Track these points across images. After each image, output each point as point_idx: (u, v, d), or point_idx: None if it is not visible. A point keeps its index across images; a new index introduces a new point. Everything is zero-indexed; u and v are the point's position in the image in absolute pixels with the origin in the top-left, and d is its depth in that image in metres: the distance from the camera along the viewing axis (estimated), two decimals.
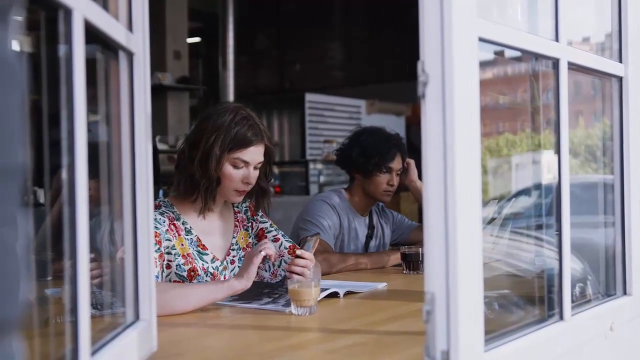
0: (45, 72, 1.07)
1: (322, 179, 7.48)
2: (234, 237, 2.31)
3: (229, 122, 2.13)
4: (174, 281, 2.11)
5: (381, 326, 1.75)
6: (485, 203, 1.30)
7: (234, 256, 2.29)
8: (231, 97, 8.89)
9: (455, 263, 1.14)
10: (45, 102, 1.06)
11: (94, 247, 1.08)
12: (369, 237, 3.09)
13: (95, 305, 1.31)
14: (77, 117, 1.00)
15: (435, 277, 1.16)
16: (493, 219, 2.17)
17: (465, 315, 1.15)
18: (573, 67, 1.56)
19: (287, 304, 1.89)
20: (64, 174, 1.00)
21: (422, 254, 2.60)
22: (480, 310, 1.20)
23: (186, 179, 2.16)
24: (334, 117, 8.13)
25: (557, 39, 1.49)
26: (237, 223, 2.34)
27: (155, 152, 4.11)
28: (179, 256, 2.12)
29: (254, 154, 2.17)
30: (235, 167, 2.15)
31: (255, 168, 2.19)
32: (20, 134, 0.58)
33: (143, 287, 1.36)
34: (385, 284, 2.33)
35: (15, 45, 0.59)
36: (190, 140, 2.18)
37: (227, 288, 1.92)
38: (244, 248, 2.32)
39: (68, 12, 0.98)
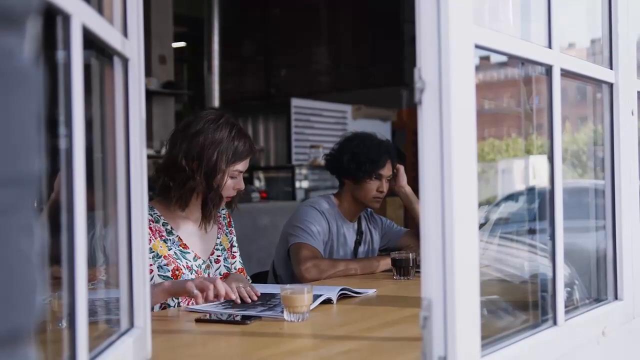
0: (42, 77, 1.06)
1: (308, 184, 7.48)
2: (218, 238, 2.39)
3: (228, 136, 2.23)
4: (158, 283, 2.13)
5: (375, 332, 1.75)
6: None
7: (218, 255, 2.37)
8: (216, 102, 8.87)
9: (453, 269, 1.14)
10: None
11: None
12: (357, 242, 3.09)
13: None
14: (76, 122, 0.99)
15: (432, 283, 1.16)
16: (482, 225, 2.18)
17: (463, 321, 1.15)
18: (564, 73, 1.57)
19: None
20: (62, 180, 0.99)
21: (413, 260, 2.61)
22: (477, 315, 1.20)
23: (188, 192, 2.22)
24: (320, 122, 8.13)
25: (550, 46, 1.50)
26: (220, 225, 2.43)
27: None
28: (160, 258, 2.15)
29: (247, 163, 2.30)
30: (232, 177, 2.26)
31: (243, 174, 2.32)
32: (37, 142, 0.58)
33: (138, 295, 1.35)
34: (375, 290, 2.33)
35: (32, 54, 0.59)
36: (187, 154, 2.20)
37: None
38: (227, 249, 2.41)
39: (67, 18, 0.97)
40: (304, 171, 7.49)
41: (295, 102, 7.99)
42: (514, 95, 1.91)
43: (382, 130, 7.35)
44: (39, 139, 0.59)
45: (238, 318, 1.85)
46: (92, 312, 1.41)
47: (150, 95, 7.34)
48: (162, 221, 2.23)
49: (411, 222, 3.35)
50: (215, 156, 2.19)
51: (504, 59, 1.57)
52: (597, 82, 1.82)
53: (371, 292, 2.31)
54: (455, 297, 1.14)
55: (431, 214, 1.16)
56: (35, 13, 0.59)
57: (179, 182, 2.19)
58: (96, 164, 1.33)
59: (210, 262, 2.33)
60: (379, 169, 2.95)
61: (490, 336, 1.33)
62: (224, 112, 2.34)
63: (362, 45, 9.70)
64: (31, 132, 0.57)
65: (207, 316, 1.88)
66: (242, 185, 2.29)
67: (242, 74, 10.58)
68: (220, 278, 2.30)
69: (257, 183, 7.46)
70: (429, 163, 1.16)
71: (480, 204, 2.18)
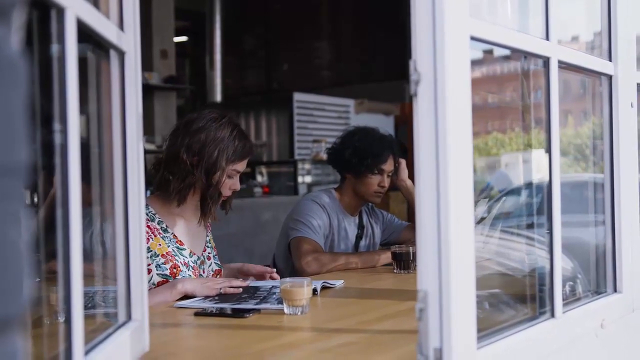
0: (35, 71, 1.06)
1: (310, 178, 7.47)
2: (207, 236, 2.43)
3: (229, 136, 2.26)
4: (158, 282, 2.15)
5: (373, 325, 1.75)
6: (475, 202, 1.30)
7: (209, 253, 2.41)
8: (218, 97, 8.87)
9: (448, 261, 1.15)
10: (35, 101, 1.05)
11: (83, 248, 1.08)
12: (359, 236, 3.09)
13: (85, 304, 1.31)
14: (70, 117, 0.99)
15: (428, 275, 1.16)
16: (483, 218, 2.18)
17: (458, 313, 1.16)
18: (563, 65, 1.56)
19: (280, 302, 1.89)
20: (57, 175, 0.99)
21: (413, 253, 2.61)
22: (472, 307, 1.21)
23: (187, 187, 2.24)
24: (322, 116, 8.12)
25: (547, 38, 1.50)
26: (208, 224, 2.46)
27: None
28: (158, 256, 2.17)
29: (245, 164, 2.34)
30: (229, 177, 2.29)
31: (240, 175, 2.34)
32: (24, 132, 0.59)
33: (135, 288, 1.36)
34: (342, 281, 2.35)
35: (18, 44, 0.59)
36: (188, 149, 2.22)
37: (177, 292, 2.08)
38: (214, 247, 2.46)
39: (61, 11, 0.97)
40: (307, 166, 7.49)
41: (298, 96, 7.98)
42: (517, 89, 1.91)
43: (385, 124, 7.34)
44: (25, 129, 0.59)
45: (234, 311, 1.86)
46: (92, 305, 1.41)
47: (151, 90, 7.34)
48: (157, 219, 2.26)
49: (413, 216, 3.35)
50: (216, 153, 2.22)
51: (507, 52, 1.57)
52: (596, 75, 1.81)
53: (339, 283, 2.34)
54: (450, 289, 1.14)
55: (427, 206, 1.16)
56: (21, 4, 0.60)
57: (179, 176, 2.22)
58: (93, 158, 1.33)
59: (204, 259, 2.35)
60: (380, 163, 2.95)
61: (488, 328, 1.33)
62: (226, 112, 2.36)
63: (363, 39, 9.70)
64: (18, 123, 0.57)
65: (207, 310, 1.89)
66: (237, 186, 2.33)
67: (244, 68, 10.58)
68: (213, 275, 2.37)
69: (259, 178, 7.46)
70: (424, 155, 1.16)
71: (484, 198, 2.18)
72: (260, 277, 2.40)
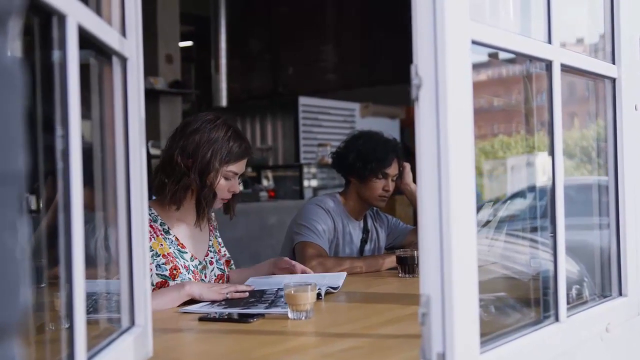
0: (38, 77, 1.07)
1: (316, 182, 7.47)
2: (210, 240, 2.43)
3: (223, 137, 2.25)
4: (157, 283, 2.16)
5: (377, 329, 1.75)
6: (480, 205, 1.29)
7: (211, 257, 2.41)
8: (224, 101, 8.88)
9: (450, 265, 1.14)
10: (37, 107, 1.05)
11: (88, 254, 1.08)
12: (363, 241, 3.09)
13: (88, 309, 1.31)
14: (72, 123, 0.99)
15: (430, 280, 1.16)
16: (488, 222, 2.17)
17: (461, 317, 1.15)
18: (566, 68, 1.56)
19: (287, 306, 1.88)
20: (59, 181, 0.99)
21: (417, 257, 2.60)
22: (475, 312, 1.20)
23: (182, 189, 2.24)
24: (328, 120, 8.12)
25: (549, 41, 1.50)
26: (211, 228, 2.46)
27: (148, 157, 4.16)
28: (159, 256, 2.19)
29: (243, 165, 2.32)
30: (226, 178, 2.28)
31: (239, 177, 2.33)
32: (21, 140, 0.59)
33: (138, 293, 1.36)
34: (344, 274, 2.38)
35: (15, 52, 0.60)
36: (182, 151, 2.24)
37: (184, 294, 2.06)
38: (217, 251, 2.44)
39: (62, 18, 0.98)
40: (312, 170, 7.49)
41: (303, 100, 7.98)
42: (522, 92, 1.91)
43: (390, 128, 7.34)
44: (23, 137, 0.59)
45: (240, 316, 1.85)
46: (94, 309, 1.42)
47: (157, 94, 7.35)
48: (159, 221, 2.26)
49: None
50: (210, 154, 2.22)
51: (512, 55, 1.56)
52: (600, 77, 1.81)
53: (342, 277, 2.35)
54: (453, 293, 1.14)
55: (429, 210, 1.16)
56: (17, 13, 0.60)
57: (174, 179, 2.22)
58: (96, 163, 1.33)
59: (206, 264, 2.35)
60: (385, 167, 2.95)
61: (492, 333, 1.33)
62: (223, 115, 2.36)
63: (369, 43, 9.69)
64: (14, 131, 0.57)
65: (210, 315, 1.89)
66: (236, 189, 2.31)
67: (249, 72, 10.58)
68: (215, 280, 2.37)
69: (265, 182, 7.45)
70: (426, 160, 1.16)
71: (489, 201, 2.17)
72: (289, 271, 2.42)
